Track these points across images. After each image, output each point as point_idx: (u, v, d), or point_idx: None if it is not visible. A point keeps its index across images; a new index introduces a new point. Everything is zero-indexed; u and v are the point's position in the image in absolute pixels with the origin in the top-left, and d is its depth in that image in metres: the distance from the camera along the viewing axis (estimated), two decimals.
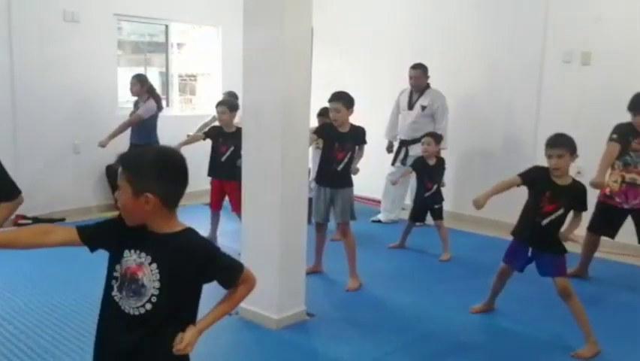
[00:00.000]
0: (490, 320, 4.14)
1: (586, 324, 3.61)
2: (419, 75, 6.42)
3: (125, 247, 1.83)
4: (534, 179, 3.74)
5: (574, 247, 5.04)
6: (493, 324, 4.09)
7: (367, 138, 4.82)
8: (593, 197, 4.78)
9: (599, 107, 5.72)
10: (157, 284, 1.79)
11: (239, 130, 5.19)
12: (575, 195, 3.68)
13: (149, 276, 1.79)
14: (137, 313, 1.79)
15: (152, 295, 1.79)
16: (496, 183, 3.83)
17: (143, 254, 1.81)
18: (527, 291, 4.27)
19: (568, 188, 3.67)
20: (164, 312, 1.80)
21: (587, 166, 5.60)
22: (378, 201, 7.06)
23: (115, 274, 1.84)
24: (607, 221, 4.79)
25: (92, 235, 1.88)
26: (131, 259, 1.81)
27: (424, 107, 6.37)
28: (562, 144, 3.62)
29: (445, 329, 3.98)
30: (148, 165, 1.78)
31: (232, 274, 1.90)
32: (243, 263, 1.95)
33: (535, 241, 3.77)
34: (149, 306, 1.79)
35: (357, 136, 4.71)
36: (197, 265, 1.81)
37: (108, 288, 1.85)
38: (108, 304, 1.86)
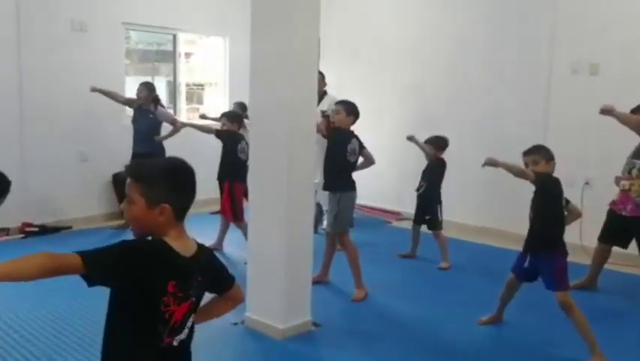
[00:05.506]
0: (497, 331, 4.10)
1: (590, 336, 3.57)
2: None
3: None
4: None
5: (584, 258, 5.02)
6: (500, 336, 4.05)
7: (372, 149, 4.91)
8: (604, 206, 4.77)
9: (606, 117, 5.68)
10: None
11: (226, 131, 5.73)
12: None
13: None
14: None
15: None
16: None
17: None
18: (536, 301, 4.22)
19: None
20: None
21: (595, 175, 5.58)
22: (398, 213, 7.12)
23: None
24: (615, 230, 4.75)
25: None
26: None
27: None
28: (530, 153, 3.89)
29: (452, 340, 3.94)
30: (161, 175, 1.75)
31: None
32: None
33: (527, 243, 3.81)
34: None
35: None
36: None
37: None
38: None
